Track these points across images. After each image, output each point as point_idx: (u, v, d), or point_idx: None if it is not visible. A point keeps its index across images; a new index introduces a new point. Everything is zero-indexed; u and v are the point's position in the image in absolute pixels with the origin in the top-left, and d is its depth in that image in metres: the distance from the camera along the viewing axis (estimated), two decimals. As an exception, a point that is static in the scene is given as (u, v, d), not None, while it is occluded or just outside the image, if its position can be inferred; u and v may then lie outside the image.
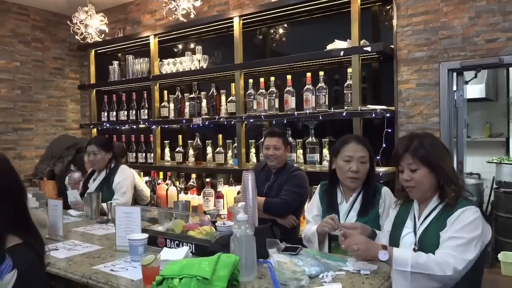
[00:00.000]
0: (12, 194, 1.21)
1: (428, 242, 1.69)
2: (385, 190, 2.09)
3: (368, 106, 3.08)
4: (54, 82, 5.04)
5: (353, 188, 2.11)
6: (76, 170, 4.04)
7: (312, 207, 2.27)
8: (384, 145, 2.97)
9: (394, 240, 1.80)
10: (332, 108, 3.19)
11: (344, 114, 3.03)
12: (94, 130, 4.80)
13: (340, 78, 3.37)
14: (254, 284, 1.57)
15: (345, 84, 3.12)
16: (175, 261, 1.57)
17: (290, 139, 3.37)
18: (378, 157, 3.01)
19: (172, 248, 1.99)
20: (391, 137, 3.06)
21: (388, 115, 2.98)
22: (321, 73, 3.21)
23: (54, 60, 5.04)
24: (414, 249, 1.70)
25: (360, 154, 2.06)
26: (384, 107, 3.07)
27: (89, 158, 3.23)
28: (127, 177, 3.17)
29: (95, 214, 2.86)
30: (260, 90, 3.49)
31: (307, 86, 3.24)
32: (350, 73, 3.07)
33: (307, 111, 3.21)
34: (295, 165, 3.29)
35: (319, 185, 2.30)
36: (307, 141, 3.34)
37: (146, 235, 1.87)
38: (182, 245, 1.97)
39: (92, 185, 3.23)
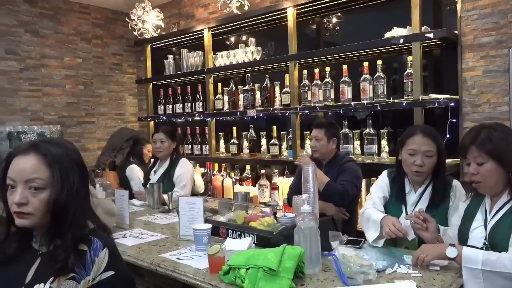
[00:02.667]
0: (86, 182, 1.26)
1: (499, 237, 1.60)
2: (456, 183, 2.00)
3: (430, 95, 2.96)
4: (113, 77, 5.25)
5: (418, 182, 2.03)
6: (136, 162, 4.21)
7: (380, 187, 2.13)
8: (448, 136, 2.84)
9: (463, 234, 1.72)
10: (390, 98, 3.09)
11: (404, 104, 2.93)
12: (152, 123, 4.96)
13: (399, 67, 3.26)
14: (319, 277, 1.56)
15: (405, 73, 3.00)
16: (241, 251, 1.60)
17: (347, 130, 3.32)
18: (441, 148, 2.89)
19: (234, 238, 2.03)
20: (456, 127, 2.92)
21: (452, 104, 2.85)
22: (379, 62, 3.12)
23: (113, 56, 5.25)
24: (484, 243, 1.62)
25: (426, 148, 1.95)
26: (448, 96, 2.93)
27: (155, 145, 3.32)
28: (187, 170, 3.25)
29: (157, 204, 2.96)
30: (315, 81, 3.45)
31: (364, 76, 3.16)
32: (411, 61, 2.95)
33: (365, 102, 3.14)
34: (351, 156, 3.24)
35: (386, 171, 2.20)
36: (364, 132, 3.27)
37: (210, 225, 1.91)
38: (244, 236, 2.00)
39: (154, 177, 3.35)
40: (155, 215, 2.75)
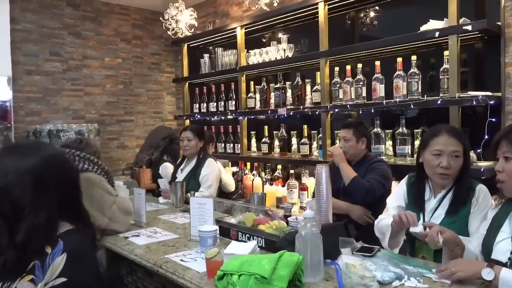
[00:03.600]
0: (58, 186, 1.26)
1: None
2: (480, 187, 1.82)
3: (468, 92, 2.73)
4: (152, 76, 5.37)
5: (443, 185, 1.87)
6: (169, 160, 4.27)
7: (397, 196, 2.02)
8: (486, 137, 2.60)
9: (487, 245, 1.55)
10: (425, 96, 2.89)
11: (439, 102, 2.73)
12: (187, 121, 5.01)
13: (437, 62, 3.03)
14: (318, 286, 1.46)
15: (441, 69, 2.80)
16: (237, 256, 1.53)
17: (378, 129, 3.15)
18: (479, 150, 2.66)
19: (243, 241, 1.97)
20: (496, 127, 2.67)
21: (492, 102, 2.61)
22: (414, 57, 2.93)
23: (152, 56, 5.36)
24: (510, 258, 1.44)
25: (452, 148, 1.80)
26: (489, 93, 2.68)
27: (183, 143, 3.34)
28: (213, 171, 3.24)
29: (180, 203, 2.96)
30: (347, 78, 3.31)
31: (397, 72, 2.98)
32: (447, 56, 2.74)
33: (397, 100, 2.96)
34: (383, 157, 3.08)
35: (407, 176, 2.07)
36: (397, 131, 3.09)
37: (215, 227, 1.86)
38: (253, 239, 1.93)
39: (180, 175, 3.37)
40: (176, 214, 2.75)
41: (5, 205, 1.18)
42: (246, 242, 1.91)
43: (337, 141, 3.51)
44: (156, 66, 5.41)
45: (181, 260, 1.80)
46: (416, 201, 1.89)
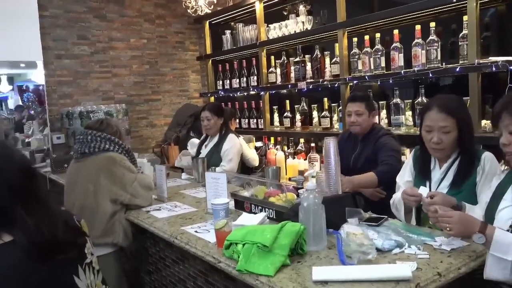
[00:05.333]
0: None
1: None
2: (486, 155, 1.79)
3: (489, 58, 2.64)
4: (176, 55, 5.46)
5: (441, 158, 1.86)
6: (195, 136, 4.38)
7: (404, 171, 2.07)
8: (507, 104, 2.53)
9: (490, 213, 1.55)
10: (446, 64, 2.82)
11: (457, 69, 2.66)
12: (212, 98, 5.09)
13: (458, 28, 2.94)
14: (320, 254, 1.53)
15: (460, 35, 2.71)
16: (242, 226, 1.62)
17: (398, 100, 3.11)
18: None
19: (255, 213, 2.05)
20: (518, 94, 2.59)
21: (512, 67, 2.52)
22: (432, 24, 2.84)
23: (176, 35, 5.44)
24: (511, 226, 1.45)
25: (441, 123, 1.77)
26: (510, 58, 2.59)
27: (203, 123, 3.44)
28: (234, 145, 3.32)
29: (202, 178, 3.07)
30: (365, 49, 3.26)
31: (416, 41, 2.91)
32: (466, 21, 2.66)
33: (415, 69, 2.91)
34: (403, 128, 3.06)
35: (414, 149, 2.08)
36: (416, 101, 3.04)
37: (227, 200, 1.95)
38: (264, 211, 2.01)
39: (204, 151, 3.48)
40: (197, 189, 2.86)
41: None
42: (258, 213, 1.99)
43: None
44: (180, 44, 5.49)
45: (196, 231, 1.91)
46: (421, 172, 1.90)
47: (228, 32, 4.83)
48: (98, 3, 4.82)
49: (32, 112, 4.39)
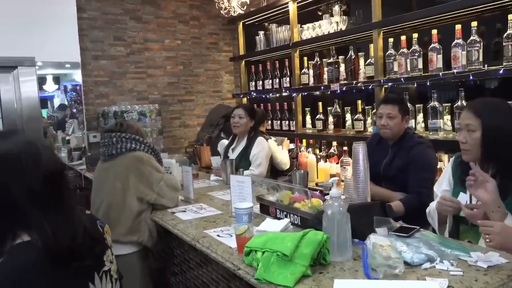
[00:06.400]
0: (9, 189, 1.05)
1: None
2: None
3: (537, 60, 2.47)
4: (210, 56, 5.48)
5: (470, 160, 1.75)
6: (226, 138, 4.37)
7: (442, 180, 1.95)
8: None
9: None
10: (488, 66, 2.66)
11: (501, 71, 2.50)
12: (244, 99, 5.07)
13: (502, 27, 2.76)
14: (344, 265, 1.46)
15: (505, 35, 2.55)
16: (263, 233, 1.56)
17: (436, 103, 2.97)
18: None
19: (281, 218, 1.99)
20: None
21: None
22: (474, 23, 2.69)
23: (210, 36, 5.46)
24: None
25: (466, 121, 1.70)
26: (561, 60, 2.41)
27: (233, 120, 3.41)
28: (263, 149, 3.28)
29: (229, 180, 3.04)
30: (401, 50, 3.13)
31: (456, 41, 2.76)
32: (511, 19, 2.49)
33: (455, 71, 2.76)
34: (441, 132, 2.91)
35: (454, 156, 1.96)
36: (455, 105, 2.88)
37: (250, 205, 1.90)
38: (289, 216, 1.95)
39: (232, 155, 3.45)
40: (225, 191, 2.83)
41: None
42: (283, 219, 1.93)
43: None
44: (214, 45, 5.50)
45: (218, 235, 1.87)
46: (461, 180, 1.78)
47: (261, 32, 4.80)
48: (134, 5, 4.90)
49: (74, 110, 4.52)
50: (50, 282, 1.03)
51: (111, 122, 4.32)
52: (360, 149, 1.88)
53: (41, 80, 4.26)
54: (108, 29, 4.77)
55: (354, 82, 3.50)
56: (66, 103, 4.51)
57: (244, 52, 5.09)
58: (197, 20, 5.35)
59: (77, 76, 4.47)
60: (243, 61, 5.09)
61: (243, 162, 3.26)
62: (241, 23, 5.03)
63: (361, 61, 3.53)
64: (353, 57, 3.57)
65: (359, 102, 3.57)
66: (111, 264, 1.23)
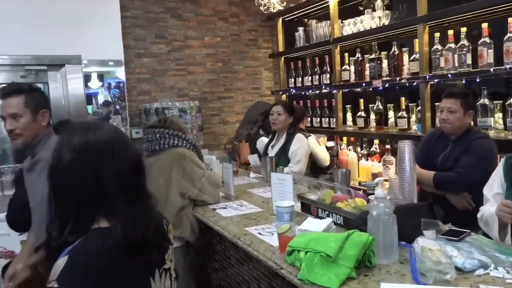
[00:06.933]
0: (97, 175, 1.09)
1: None
2: None
3: None
4: (249, 53, 5.48)
5: None
6: (264, 135, 4.37)
7: (493, 182, 1.87)
8: None
9: None
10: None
11: (559, 67, 2.35)
12: (284, 96, 5.04)
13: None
14: (390, 269, 1.41)
15: None
16: (306, 233, 1.54)
17: (486, 101, 2.83)
18: None
19: (323, 217, 1.96)
20: None
21: None
22: (529, 16, 2.55)
23: (249, 32, 5.45)
24: None
25: None
26: None
27: (272, 117, 3.41)
28: (302, 146, 3.25)
29: (269, 177, 3.03)
30: (448, 45, 3.01)
31: (508, 35, 2.63)
32: None
33: (507, 66, 2.62)
34: (491, 132, 2.78)
35: (504, 157, 1.86)
36: (508, 102, 2.74)
37: (292, 203, 1.88)
38: (331, 216, 1.92)
39: (271, 151, 3.45)
40: (265, 188, 2.83)
41: (51, 187, 1.12)
42: (325, 218, 1.90)
43: (438, 113, 3.23)
44: (253, 42, 5.49)
45: (259, 233, 1.87)
46: None
47: (301, 29, 4.75)
48: (175, 3, 4.97)
49: (118, 107, 4.64)
50: (118, 270, 1.05)
51: (153, 118, 4.41)
52: (406, 148, 1.82)
53: (86, 78, 4.39)
54: (150, 27, 4.86)
55: (398, 78, 3.40)
56: (109, 99, 4.63)
57: (283, 48, 5.06)
58: (237, 17, 5.36)
59: (120, 73, 4.57)
60: (282, 58, 5.06)
61: (282, 158, 3.25)
62: (280, 19, 5.00)
63: (405, 56, 3.42)
64: (396, 52, 3.47)
65: (403, 99, 3.47)
66: (171, 263, 1.25)
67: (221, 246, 2.35)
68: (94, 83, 4.61)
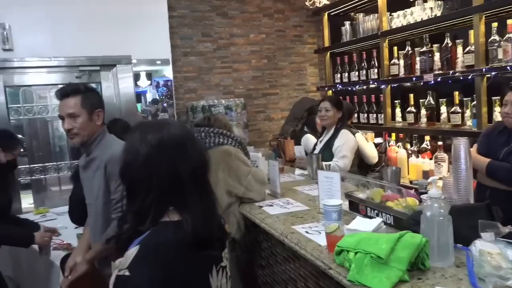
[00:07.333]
0: (174, 170, 1.13)
1: None
2: None
3: None
4: (294, 49, 5.44)
5: None
6: (309, 132, 4.32)
7: None
8: None
9: None
10: None
11: None
12: (329, 92, 4.96)
13: None
14: (446, 272, 1.35)
15: None
16: (355, 233, 1.51)
17: (550, 94, 2.64)
18: None
19: (372, 217, 1.91)
20: None
21: None
22: None
23: (294, 28, 5.42)
24: None
25: None
26: None
27: (320, 113, 3.38)
28: (346, 142, 3.19)
29: (315, 174, 2.99)
30: (507, 35, 2.83)
31: None
32: None
33: None
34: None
35: None
36: None
37: (340, 202, 1.84)
38: (381, 216, 1.87)
39: (319, 146, 3.41)
40: (311, 186, 2.79)
41: (125, 182, 1.16)
42: (374, 218, 1.85)
43: (496, 108, 3.07)
44: (298, 38, 5.45)
45: (306, 232, 1.85)
46: None
47: (347, 23, 4.65)
48: (220, 1, 5.02)
49: (165, 105, 4.76)
50: (184, 264, 1.08)
51: (199, 116, 4.48)
52: (461, 145, 1.73)
53: (136, 76, 4.54)
54: (196, 26, 4.94)
55: (451, 72, 3.25)
56: (157, 98, 4.75)
57: (329, 43, 4.97)
58: (281, 13, 5.34)
59: (168, 72, 4.68)
60: (328, 53, 4.98)
61: (326, 153, 3.22)
62: (326, 14, 4.91)
63: (459, 49, 3.26)
64: (449, 45, 3.31)
65: (456, 93, 3.31)
66: (226, 261, 1.26)
67: (267, 243, 2.35)
68: (143, 82, 4.75)
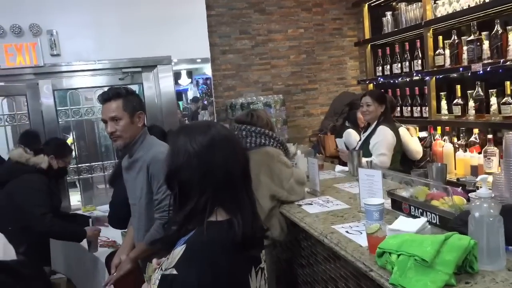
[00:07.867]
0: (223, 171, 1.14)
1: None
2: None
3: None
4: (333, 42, 5.33)
5: None
6: (350, 126, 4.23)
7: None
8: None
9: None
10: None
11: None
12: (371, 86, 4.83)
13: None
14: (496, 276, 1.27)
15: None
16: (398, 234, 1.45)
17: None
18: None
19: (416, 216, 1.84)
20: None
21: None
22: None
23: (333, 21, 5.30)
24: None
25: None
26: None
27: (362, 109, 3.31)
28: (384, 139, 3.09)
29: (356, 171, 2.92)
30: None
31: None
32: None
33: None
34: None
35: None
36: None
37: (382, 201, 1.78)
38: (425, 215, 1.79)
39: (359, 142, 3.33)
40: (352, 183, 2.73)
41: (175, 186, 1.16)
42: (418, 217, 1.78)
43: None
44: (338, 31, 5.33)
45: (347, 231, 1.80)
46: None
47: (389, 13, 4.49)
48: (258, -2, 5.00)
49: (205, 102, 4.81)
50: (229, 262, 1.09)
51: (238, 113, 4.49)
52: (513, 140, 1.62)
53: (176, 75, 4.61)
54: (234, 23, 4.95)
55: (501, 60, 3.06)
56: (198, 95, 4.81)
57: (370, 35, 4.84)
58: (320, 6, 5.24)
59: (207, 70, 4.73)
60: (369, 45, 4.84)
61: (364, 149, 3.14)
62: (366, 5, 4.78)
63: (510, 36, 3.06)
64: (499, 32, 3.12)
65: (508, 83, 3.12)
66: (264, 264, 1.26)
67: (307, 243, 2.32)
68: (184, 80, 4.82)
